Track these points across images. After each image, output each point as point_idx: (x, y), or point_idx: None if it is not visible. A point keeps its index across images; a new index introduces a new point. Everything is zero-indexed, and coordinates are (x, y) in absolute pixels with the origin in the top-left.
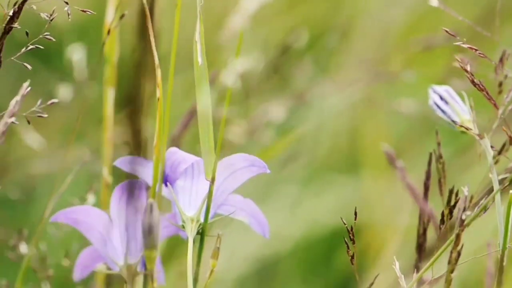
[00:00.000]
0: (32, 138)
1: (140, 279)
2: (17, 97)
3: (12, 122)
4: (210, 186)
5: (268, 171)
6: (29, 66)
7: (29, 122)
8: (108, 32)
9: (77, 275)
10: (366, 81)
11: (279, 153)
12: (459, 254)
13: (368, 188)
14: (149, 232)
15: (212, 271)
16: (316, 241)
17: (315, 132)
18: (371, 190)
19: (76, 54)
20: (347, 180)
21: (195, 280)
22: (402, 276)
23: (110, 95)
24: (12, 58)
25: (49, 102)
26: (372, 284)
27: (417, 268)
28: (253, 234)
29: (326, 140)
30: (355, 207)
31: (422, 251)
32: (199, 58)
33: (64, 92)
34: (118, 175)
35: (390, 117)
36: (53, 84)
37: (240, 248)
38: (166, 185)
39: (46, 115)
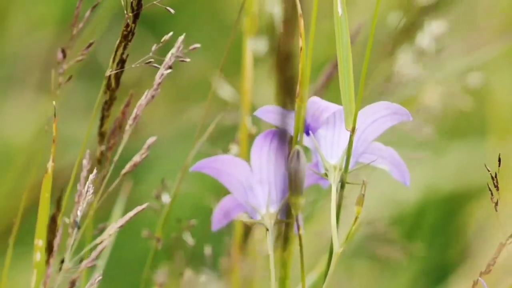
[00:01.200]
0: None
1: (280, 228)
2: (173, 50)
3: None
4: (350, 136)
5: (411, 118)
6: (172, 10)
7: (171, 67)
8: None
9: (215, 224)
10: (499, 41)
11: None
12: None
13: (493, 151)
14: (295, 178)
15: (357, 218)
16: (433, 204)
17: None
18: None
19: None
20: (470, 144)
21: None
22: None
23: (249, 45)
24: (154, 2)
25: (191, 47)
26: None
27: None
28: (368, 196)
29: (450, 101)
30: (499, 154)
31: None
32: (339, 8)
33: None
34: (258, 125)
35: None
36: None
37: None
38: (307, 134)
39: (188, 59)
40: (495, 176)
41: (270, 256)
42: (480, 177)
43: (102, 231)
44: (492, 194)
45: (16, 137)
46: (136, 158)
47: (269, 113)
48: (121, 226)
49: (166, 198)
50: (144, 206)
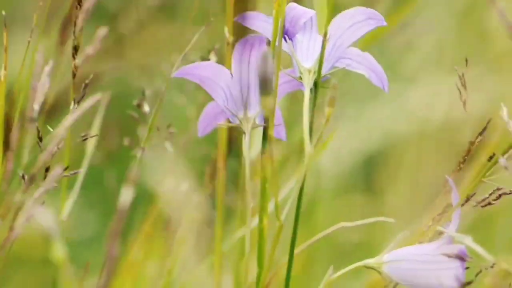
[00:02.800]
0: None
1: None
2: None
3: None
4: (323, 41)
5: (385, 23)
6: None
7: None
8: None
9: (201, 131)
10: None
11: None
12: None
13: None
14: (264, 78)
15: (328, 119)
16: (424, 135)
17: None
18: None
19: None
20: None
21: (311, 128)
22: (510, 121)
23: None
24: None
25: None
26: (485, 128)
27: None
28: (360, 128)
29: (441, 28)
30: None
31: None
32: None
33: None
34: (240, 33)
35: None
36: None
37: (348, 142)
38: (285, 40)
39: None
40: (463, 76)
41: (246, 159)
42: (476, 107)
43: (85, 139)
44: (460, 93)
45: (20, 76)
46: (89, 51)
47: (251, 19)
48: (77, 116)
49: (147, 108)
50: (97, 98)
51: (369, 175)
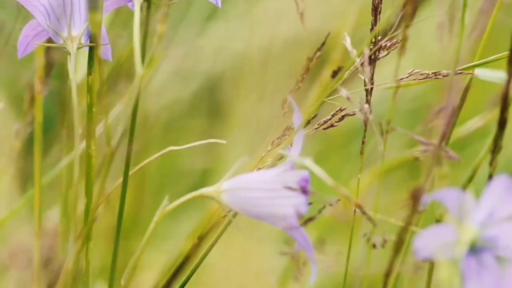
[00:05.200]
0: None
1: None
2: None
3: None
4: None
5: None
6: None
7: None
8: None
9: (20, 52)
10: None
11: None
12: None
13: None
14: None
15: (160, 37)
16: (273, 53)
17: None
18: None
19: None
20: None
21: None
22: (354, 50)
23: None
24: None
25: None
26: (324, 43)
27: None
28: (206, 50)
29: None
30: None
31: (377, 13)
32: None
33: None
34: None
35: None
36: None
37: (193, 65)
38: None
39: None
40: None
41: (72, 82)
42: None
43: None
44: (297, 3)
45: None
46: None
47: None
48: None
49: None
50: None
51: (213, 98)
